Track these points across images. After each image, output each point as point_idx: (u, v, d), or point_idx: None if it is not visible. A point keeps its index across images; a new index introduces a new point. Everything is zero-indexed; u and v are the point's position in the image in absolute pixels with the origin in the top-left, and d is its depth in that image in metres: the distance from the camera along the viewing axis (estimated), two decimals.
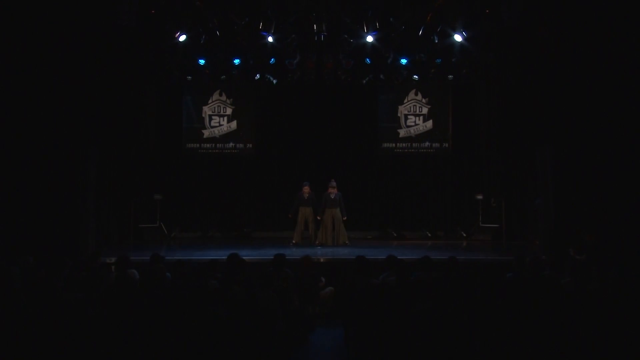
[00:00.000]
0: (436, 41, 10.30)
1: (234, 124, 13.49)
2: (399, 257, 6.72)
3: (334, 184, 10.85)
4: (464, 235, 12.89)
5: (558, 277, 4.99)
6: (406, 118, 13.40)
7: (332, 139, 13.39)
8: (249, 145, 13.44)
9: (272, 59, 11.23)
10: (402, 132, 13.46)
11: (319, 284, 6.94)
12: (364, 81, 12.01)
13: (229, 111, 13.44)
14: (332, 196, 10.80)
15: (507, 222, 12.03)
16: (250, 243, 11.70)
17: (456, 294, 4.52)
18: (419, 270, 6.03)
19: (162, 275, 5.96)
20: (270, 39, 10.30)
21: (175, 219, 13.23)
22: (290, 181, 12.86)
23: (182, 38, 10.25)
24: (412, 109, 13.39)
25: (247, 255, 7.57)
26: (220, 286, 5.08)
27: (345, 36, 10.33)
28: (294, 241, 10.92)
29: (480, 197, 12.85)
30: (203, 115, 13.41)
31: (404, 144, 13.47)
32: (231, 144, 13.44)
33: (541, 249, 9.42)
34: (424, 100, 13.22)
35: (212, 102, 13.29)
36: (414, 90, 13.19)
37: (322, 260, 8.50)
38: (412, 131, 13.43)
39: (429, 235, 13.09)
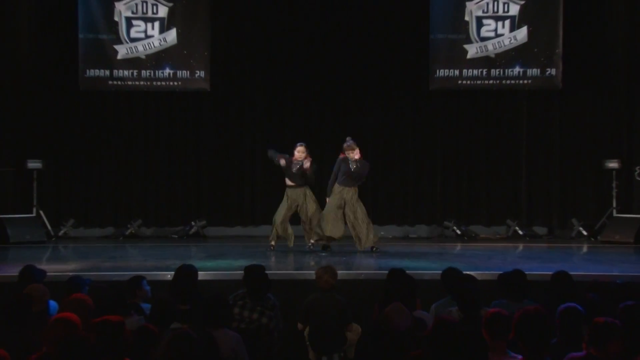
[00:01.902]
0: None
1: (171, 36, 13.57)
2: (465, 273, 7.03)
3: (351, 142, 10.89)
4: (584, 233, 13.35)
5: None
6: (480, 23, 13.53)
7: (345, 66, 13.77)
8: (199, 75, 13.60)
9: None
10: (472, 50, 13.56)
11: (349, 326, 7.08)
12: None
13: (162, 11, 13.54)
14: (354, 165, 10.78)
15: None
16: (201, 247, 12.21)
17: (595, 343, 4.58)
18: (505, 295, 6.39)
19: (41, 303, 6.12)
20: None
21: (66, 205, 13.70)
22: (273, 141, 13.24)
23: None
24: (490, 7, 13.50)
25: (199, 268, 7.49)
26: (151, 325, 5.13)
27: None
28: (272, 242, 11.13)
29: (614, 165, 13.20)
30: (116, 18, 13.48)
31: (475, 71, 13.61)
32: (167, 72, 13.57)
33: None
34: None
35: None
36: None
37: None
38: (491, 47, 13.56)
39: (520, 232, 13.57)
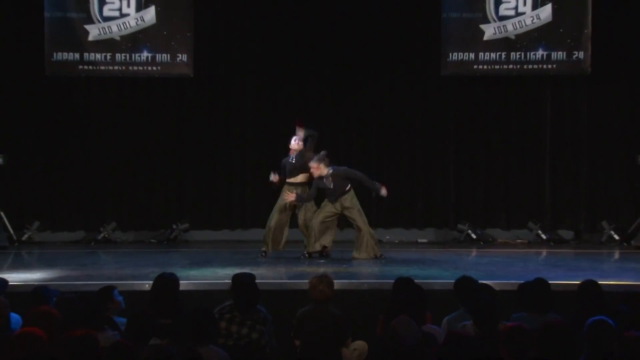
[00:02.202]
0: None
1: (150, 14, 13.61)
2: (480, 282, 7.03)
3: (315, 160, 10.98)
4: (616, 237, 13.49)
5: None
6: (498, 1, 13.63)
7: (346, 50, 13.84)
8: (181, 59, 13.64)
9: None
10: (489, 30, 13.64)
11: (346, 341, 7.10)
12: None
13: None
14: (331, 184, 11.00)
15: None
16: (183, 253, 12.33)
17: None
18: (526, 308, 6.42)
19: (1, 317, 6.17)
20: None
21: (30, 206, 13.80)
22: (266, 133, 13.54)
23: None
24: None
25: (181, 277, 7.57)
26: (127, 341, 5.13)
27: None
28: (263, 249, 11.28)
29: None
30: None
31: (492, 55, 13.65)
32: (145, 55, 13.61)
33: None
34: None
35: None
36: None
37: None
38: (511, 27, 13.62)
39: (543, 236, 13.71)
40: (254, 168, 13.58)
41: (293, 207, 11.14)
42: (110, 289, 6.80)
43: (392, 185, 13.82)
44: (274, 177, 11.05)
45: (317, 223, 10.91)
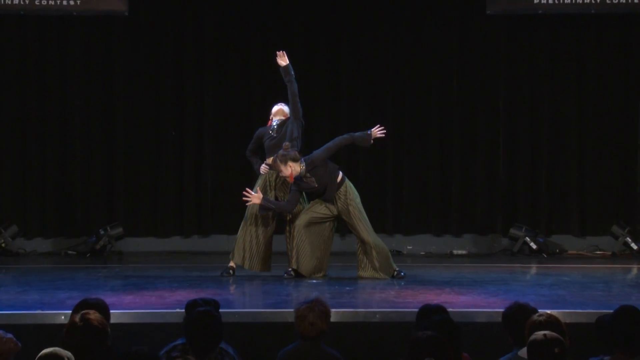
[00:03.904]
0: None
1: None
2: (541, 312, 6.90)
3: (277, 160, 11.09)
4: None
5: None
6: None
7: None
8: None
9: None
10: None
11: None
12: None
13: None
14: (314, 184, 11.20)
15: None
16: (114, 269, 12.53)
17: None
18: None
19: None
20: None
21: None
22: (236, 101, 13.62)
23: None
24: None
25: (111, 304, 7.45)
26: None
27: None
28: (231, 263, 11.53)
29: None
30: None
31: None
32: None
33: None
34: None
35: None
36: None
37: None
38: None
39: (634, 246, 13.92)
40: (216, 145, 13.75)
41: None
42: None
43: (416, 175, 13.99)
44: (264, 168, 11.23)
45: (300, 226, 11.05)
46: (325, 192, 11.08)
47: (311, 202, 11.32)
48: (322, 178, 11.00)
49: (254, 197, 10.88)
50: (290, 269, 11.17)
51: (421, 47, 14.11)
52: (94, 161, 14.09)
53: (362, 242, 11.15)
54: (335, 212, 11.14)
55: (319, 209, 11.20)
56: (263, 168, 11.29)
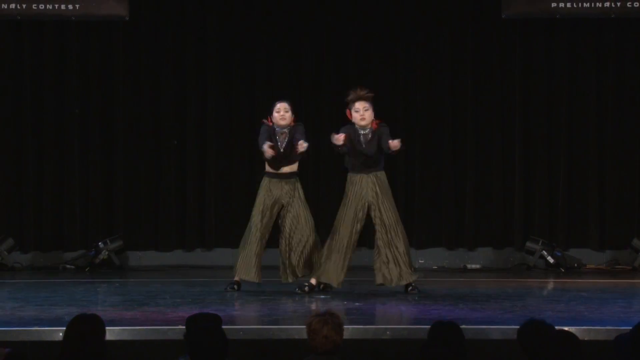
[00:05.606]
0: None
1: None
2: (558, 330, 6.93)
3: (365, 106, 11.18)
4: None
5: None
6: None
7: None
8: None
9: None
10: None
11: None
12: None
13: None
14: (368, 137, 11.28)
15: None
16: (114, 284, 12.69)
17: None
18: None
19: None
20: None
21: None
22: (237, 103, 13.72)
23: None
24: None
25: (109, 321, 7.36)
26: None
27: None
28: (236, 278, 11.57)
29: None
30: None
31: None
32: None
33: None
34: None
35: None
36: None
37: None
38: None
39: None
40: (220, 155, 13.77)
41: (278, 210, 11.32)
42: None
43: (428, 185, 13.99)
44: (269, 151, 11.06)
45: (346, 236, 10.95)
46: (364, 162, 11.07)
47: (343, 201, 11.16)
48: (370, 148, 11.05)
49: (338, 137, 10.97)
50: (306, 284, 11.16)
51: (434, 53, 14.14)
52: (93, 171, 14.13)
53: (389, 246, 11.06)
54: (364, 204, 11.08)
55: (355, 204, 11.09)
56: (268, 149, 11.02)
